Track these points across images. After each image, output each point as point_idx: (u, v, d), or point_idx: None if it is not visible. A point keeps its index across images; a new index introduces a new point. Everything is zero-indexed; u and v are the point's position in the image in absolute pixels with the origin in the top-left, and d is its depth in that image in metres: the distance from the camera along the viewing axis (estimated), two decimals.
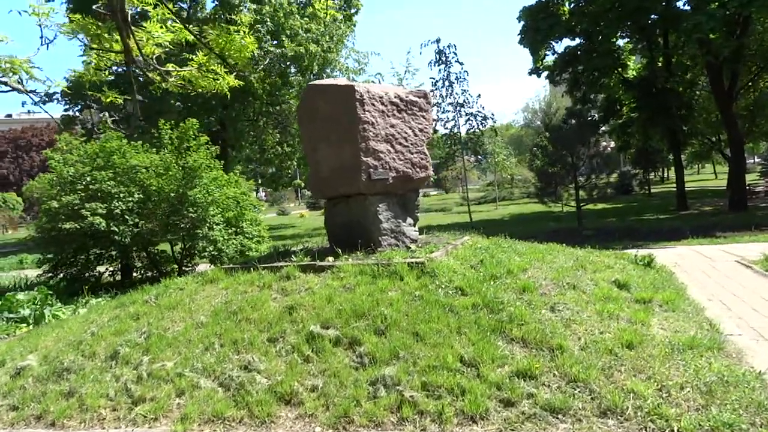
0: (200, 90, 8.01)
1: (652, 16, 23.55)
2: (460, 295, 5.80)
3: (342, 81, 7.52)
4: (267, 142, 31.28)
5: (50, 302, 10.13)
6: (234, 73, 7.94)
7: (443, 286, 5.97)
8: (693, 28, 19.35)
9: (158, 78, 7.44)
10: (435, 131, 35.72)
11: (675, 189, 27.74)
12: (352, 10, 37.88)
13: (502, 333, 5.08)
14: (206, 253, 12.87)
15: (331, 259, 7.03)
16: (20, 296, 9.95)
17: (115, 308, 7.00)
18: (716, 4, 19.54)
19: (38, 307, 9.84)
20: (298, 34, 29.94)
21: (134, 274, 15.09)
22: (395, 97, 7.74)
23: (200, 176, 13.05)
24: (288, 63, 29.23)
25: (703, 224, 18.79)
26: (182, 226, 12.52)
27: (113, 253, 13.60)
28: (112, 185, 12.17)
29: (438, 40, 24.56)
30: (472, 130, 24.65)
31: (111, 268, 14.56)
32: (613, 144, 28.34)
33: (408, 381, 4.48)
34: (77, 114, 29.40)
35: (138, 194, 12.62)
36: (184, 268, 13.45)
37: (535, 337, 4.96)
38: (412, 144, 7.81)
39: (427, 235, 9.59)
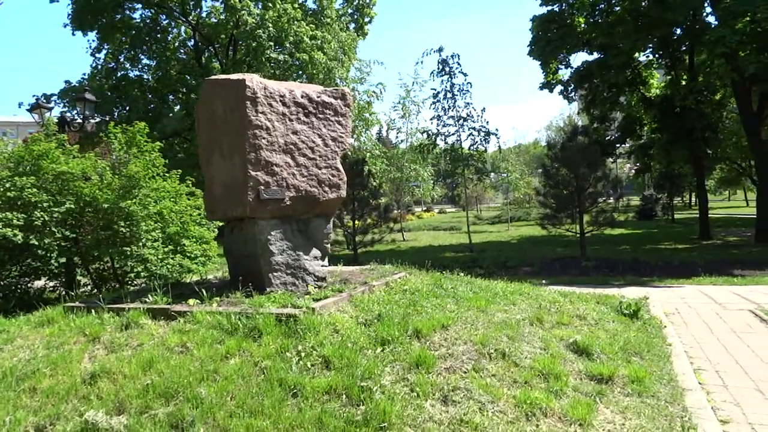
0: None
1: (676, 30, 21.59)
2: (321, 370, 4.10)
3: (240, 75, 5.97)
4: None
5: None
6: None
7: (305, 354, 4.28)
8: (716, 42, 17.37)
9: None
10: (392, 143, 34.02)
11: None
12: (365, 19, 36.73)
13: None
14: (133, 274, 11.36)
15: (192, 302, 5.41)
16: None
17: None
18: (747, 18, 17.54)
19: None
20: (303, 41, 28.68)
21: (80, 290, 13.73)
22: (303, 96, 6.13)
23: (140, 186, 11.61)
24: (287, 71, 27.97)
25: (721, 258, 16.66)
26: (112, 241, 11.07)
27: (52, 267, 12.24)
28: (33, 193, 10.78)
29: (441, 49, 22.89)
30: (474, 146, 22.86)
31: (51, 284, 13.20)
32: (629, 165, 26.27)
33: None
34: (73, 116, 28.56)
35: (70, 204, 11.23)
36: (113, 286, 11.97)
37: None
38: (320, 156, 6.17)
39: (362, 268, 7.92)
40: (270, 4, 28.29)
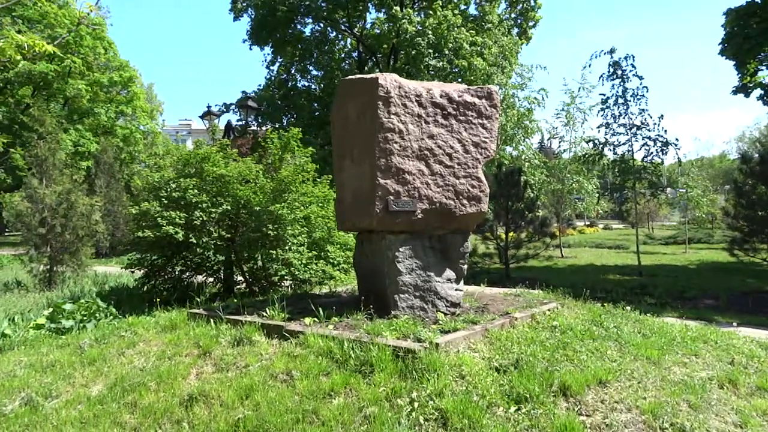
0: None
1: None
2: (436, 429, 3.30)
3: (374, 74, 5.41)
4: None
5: (97, 315, 9.42)
6: None
7: (419, 405, 3.50)
8: None
9: None
10: (551, 152, 31.11)
11: None
12: (530, 23, 35.28)
13: None
14: (277, 277, 11.44)
15: (309, 321, 4.91)
16: (67, 306, 9.37)
17: (60, 347, 5.66)
18: None
19: (83, 318, 9.17)
20: (462, 47, 28.14)
21: (237, 287, 14.39)
22: (442, 96, 5.38)
23: (290, 190, 11.75)
24: (446, 78, 27.50)
25: None
26: (261, 243, 11.29)
27: (211, 263, 12.93)
28: (194, 194, 11.36)
29: (612, 51, 20.77)
30: (649, 158, 20.34)
31: (211, 279, 13.98)
32: None
33: None
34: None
35: (227, 205, 11.70)
36: (254, 288, 12.22)
37: None
38: (459, 164, 5.36)
39: (505, 292, 6.94)
40: (430, 12, 28.15)
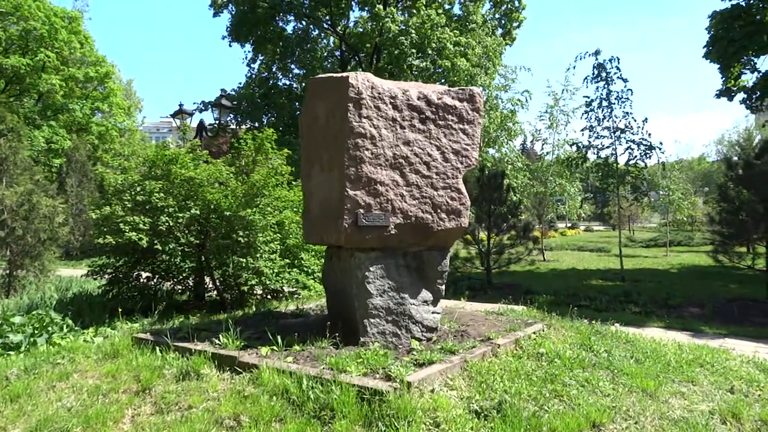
0: None
1: None
2: None
3: (346, 73, 4.88)
4: None
5: (50, 329, 8.73)
6: None
7: None
8: None
9: None
10: (540, 158, 30.95)
11: None
12: (514, 24, 35.04)
13: None
14: (247, 287, 10.83)
15: (265, 351, 4.35)
16: (17, 319, 8.67)
17: None
18: None
19: (34, 332, 8.48)
20: (446, 47, 27.75)
21: (207, 295, 13.74)
22: (420, 98, 4.85)
23: (263, 194, 11.16)
24: (429, 78, 27.04)
25: None
26: (232, 250, 10.68)
27: (180, 270, 12.26)
28: (160, 198, 10.71)
29: (597, 53, 20.46)
30: (633, 161, 20.08)
31: (180, 287, 13.30)
32: None
33: None
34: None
35: (195, 210, 11.05)
36: (225, 296, 11.61)
37: None
38: (437, 174, 4.83)
39: (487, 310, 6.43)
40: (414, 11, 27.71)
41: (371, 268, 4.64)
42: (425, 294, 4.88)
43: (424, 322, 4.82)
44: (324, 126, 5.04)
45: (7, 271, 14.05)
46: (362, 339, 4.58)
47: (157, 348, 4.66)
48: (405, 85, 4.93)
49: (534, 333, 5.31)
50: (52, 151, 31.56)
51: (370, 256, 4.66)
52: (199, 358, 4.29)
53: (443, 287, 5.00)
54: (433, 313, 4.90)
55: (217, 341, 4.62)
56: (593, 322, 6.68)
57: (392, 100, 4.74)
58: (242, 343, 4.55)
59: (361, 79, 4.68)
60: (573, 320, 6.55)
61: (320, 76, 5.31)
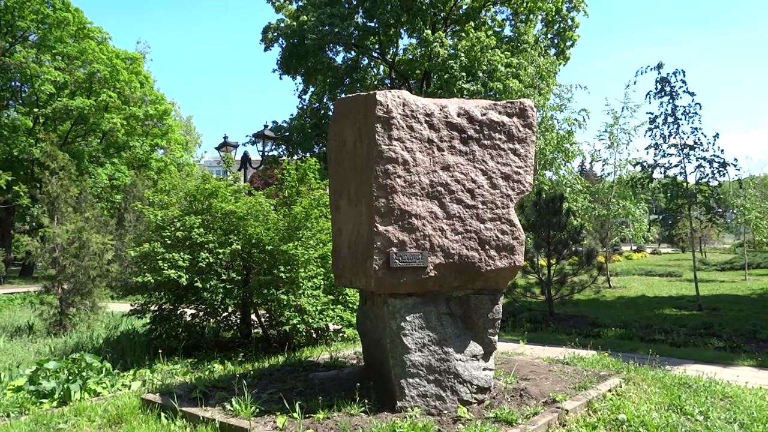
0: None
1: None
2: None
3: (378, 91, 4.25)
4: None
5: (84, 374, 8.37)
6: None
7: None
8: None
9: None
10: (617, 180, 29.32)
11: None
12: (567, 43, 34.11)
13: None
14: (289, 326, 10.21)
15: (281, 422, 3.66)
16: (51, 365, 8.36)
17: None
18: None
19: (68, 378, 8.12)
20: (497, 69, 27.11)
21: (255, 331, 13.28)
22: (460, 114, 4.14)
23: (305, 227, 10.66)
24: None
25: None
26: (275, 286, 10.16)
27: (225, 307, 11.86)
28: (200, 233, 10.36)
29: (660, 66, 19.16)
30: (704, 179, 18.54)
31: (224, 324, 12.89)
32: None
33: None
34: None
35: (236, 245, 10.64)
36: (270, 333, 11.05)
37: None
38: (484, 203, 4.08)
39: (550, 359, 5.53)
40: (463, 34, 27.27)
41: (408, 318, 3.90)
42: (474, 347, 4.08)
43: (474, 382, 4.02)
44: (351, 152, 4.40)
45: (59, 309, 14.08)
46: (399, 404, 3.83)
47: (163, 414, 4.06)
48: (443, 101, 4.23)
49: (610, 391, 4.40)
50: (114, 188, 32.65)
51: (407, 302, 3.93)
52: (205, 429, 3.65)
53: (496, 337, 4.18)
54: (484, 369, 4.08)
55: (229, 407, 3.98)
56: (681, 373, 5.67)
57: (428, 119, 4.06)
58: (257, 409, 3.89)
59: (390, 96, 4.02)
60: (654, 367, 5.57)
61: (347, 95, 4.70)
